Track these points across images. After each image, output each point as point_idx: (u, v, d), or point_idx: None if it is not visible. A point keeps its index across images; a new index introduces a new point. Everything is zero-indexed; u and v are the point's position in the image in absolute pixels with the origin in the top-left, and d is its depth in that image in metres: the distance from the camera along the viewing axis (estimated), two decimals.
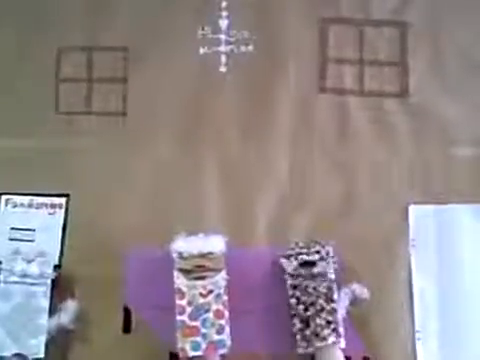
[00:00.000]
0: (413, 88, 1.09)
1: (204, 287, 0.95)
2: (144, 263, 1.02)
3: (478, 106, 1.08)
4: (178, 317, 0.94)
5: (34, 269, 0.98)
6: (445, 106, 1.08)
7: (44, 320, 0.97)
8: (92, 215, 1.06)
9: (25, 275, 0.98)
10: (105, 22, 1.13)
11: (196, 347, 0.93)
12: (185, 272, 0.95)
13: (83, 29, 1.13)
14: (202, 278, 0.95)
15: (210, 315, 0.94)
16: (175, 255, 0.96)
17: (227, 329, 0.94)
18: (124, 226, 1.04)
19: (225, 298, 0.95)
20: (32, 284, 0.97)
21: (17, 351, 0.95)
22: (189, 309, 0.94)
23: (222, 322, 0.94)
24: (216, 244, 0.97)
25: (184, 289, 0.95)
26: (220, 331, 0.94)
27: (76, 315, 0.98)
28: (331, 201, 1.05)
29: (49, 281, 0.98)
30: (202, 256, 0.96)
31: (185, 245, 0.96)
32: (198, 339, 0.93)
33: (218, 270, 0.96)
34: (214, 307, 0.94)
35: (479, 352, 0.99)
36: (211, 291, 0.95)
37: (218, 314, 0.94)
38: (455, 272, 1.02)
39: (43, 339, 0.96)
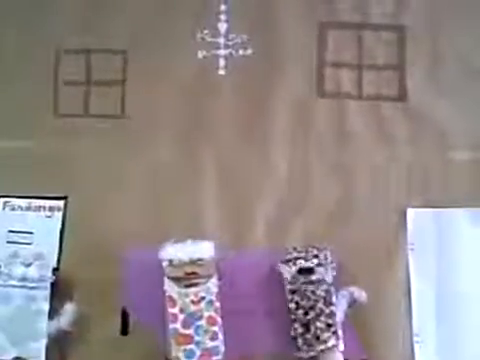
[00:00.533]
0: (411, 92, 1.09)
1: (196, 294, 0.95)
2: (142, 266, 1.01)
3: (476, 110, 1.08)
4: (171, 325, 0.94)
5: (33, 272, 0.98)
6: (443, 110, 1.08)
7: (44, 323, 0.96)
8: (90, 218, 1.05)
9: (24, 278, 0.97)
10: (104, 25, 1.12)
11: (190, 355, 0.93)
12: (176, 280, 0.95)
13: (82, 31, 1.12)
14: (193, 285, 0.95)
15: (203, 322, 0.94)
16: (165, 263, 0.96)
17: (220, 335, 0.94)
18: (122, 229, 1.04)
19: (217, 304, 0.95)
20: (31, 288, 0.97)
21: (17, 355, 0.95)
22: (181, 317, 0.94)
23: (215, 329, 0.94)
24: (206, 250, 0.96)
25: (175, 297, 0.95)
26: (214, 338, 0.94)
27: (75, 318, 0.98)
28: (329, 205, 1.05)
29: (48, 284, 0.98)
30: (192, 263, 0.95)
31: (175, 252, 0.96)
32: (192, 347, 0.93)
33: (209, 276, 0.96)
34: (206, 314, 0.94)
35: (477, 355, 0.99)
36: (203, 298, 0.95)
37: (211, 321, 0.94)
38: (453, 276, 1.02)
39: (43, 342, 0.95)
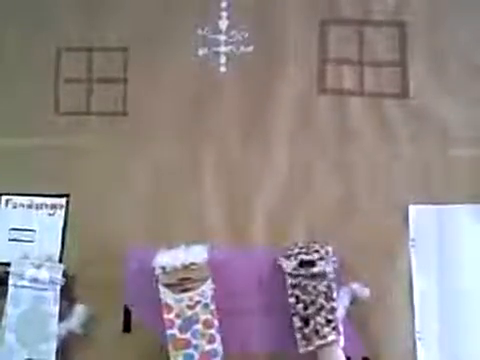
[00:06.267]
0: (413, 89, 1.09)
1: (191, 299, 0.95)
2: (144, 263, 1.01)
3: (478, 107, 1.08)
4: (168, 331, 0.94)
5: (44, 274, 0.98)
6: (445, 107, 1.08)
7: (54, 325, 0.97)
8: (92, 215, 1.06)
9: (35, 280, 0.98)
10: (105, 22, 1.13)
11: (189, 359, 0.93)
12: (170, 286, 0.96)
13: (83, 29, 1.13)
14: (188, 290, 0.95)
15: (199, 326, 0.94)
16: (158, 271, 0.96)
17: (218, 337, 0.95)
18: (124, 226, 1.05)
19: (213, 307, 0.95)
20: (42, 289, 0.98)
21: (27, 357, 0.95)
22: (178, 322, 0.94)
23: (212, 331, 0.95)
24: (198, 254, 0.97)
25: (171, 303, 0.95)
26: (211, 340, 0.94)
27: (85, 319, 0.99)
28: (331, 201, 1.05)
29: (58, 287, 0.99)
30: (185, 268, 0.96)
31: (167, 259, 0.96)
32: (190, 351, 0.94)
33: (203, 280, 0.96)
34: (202, 317, 0.95)
35: (479, 351, 0.99)
36: (198, 302, 0.95)
37: (207, 324, 0.95)
38: (455, 272, 1.02)
39: (53, 344, 0.96)
